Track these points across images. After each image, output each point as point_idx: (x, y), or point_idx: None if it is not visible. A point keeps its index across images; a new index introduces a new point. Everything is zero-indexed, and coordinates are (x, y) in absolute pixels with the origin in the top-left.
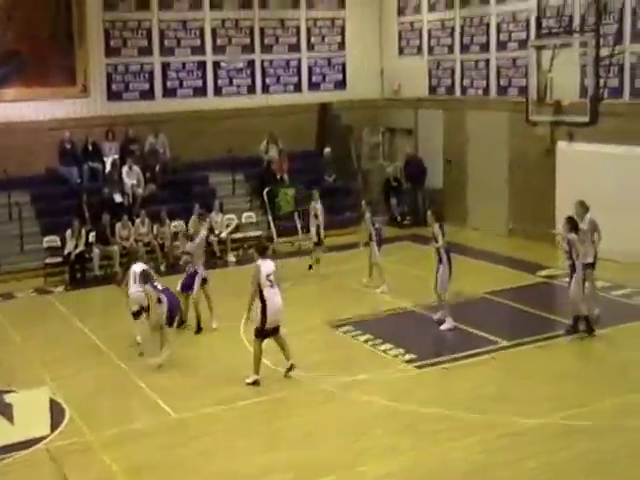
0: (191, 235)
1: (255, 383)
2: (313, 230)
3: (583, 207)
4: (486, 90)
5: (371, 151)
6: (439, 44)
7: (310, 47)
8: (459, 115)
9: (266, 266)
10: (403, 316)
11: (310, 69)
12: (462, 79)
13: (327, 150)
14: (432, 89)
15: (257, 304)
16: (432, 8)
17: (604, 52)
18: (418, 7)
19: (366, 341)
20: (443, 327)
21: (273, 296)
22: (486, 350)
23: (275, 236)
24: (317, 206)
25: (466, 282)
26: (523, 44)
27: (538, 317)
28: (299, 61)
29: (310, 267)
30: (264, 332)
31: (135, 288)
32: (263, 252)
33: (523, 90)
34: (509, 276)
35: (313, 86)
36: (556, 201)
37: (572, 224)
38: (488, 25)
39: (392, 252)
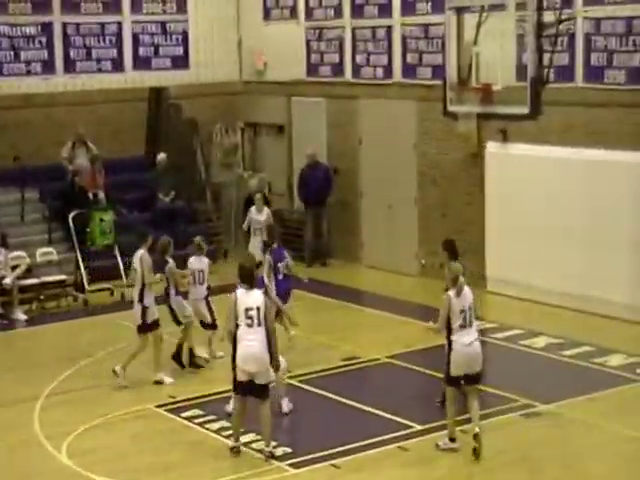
0: None
1: (234, 450)
2: None
3: None
4: (388, 70)
5: (226, 157)
6: (321, 5)
7: (136, 6)
8: (350, 105)
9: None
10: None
11: (136, 38)
12: (354, 54)
13: (161, 156)
14: (312, 68)
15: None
16: None
17: (549, 17)
18: None
19: (219, 430)
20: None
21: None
22: (392, 437)
23: (86, 281)
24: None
25: (362, 342)
26: (438, 5)
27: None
28: (119, 26)
29: None
30: (236, 384)
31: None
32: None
33: (439, 70)
34: (422, 332)
35: (141, 63)
36: (485, 225)
37: None
38: None
39: None
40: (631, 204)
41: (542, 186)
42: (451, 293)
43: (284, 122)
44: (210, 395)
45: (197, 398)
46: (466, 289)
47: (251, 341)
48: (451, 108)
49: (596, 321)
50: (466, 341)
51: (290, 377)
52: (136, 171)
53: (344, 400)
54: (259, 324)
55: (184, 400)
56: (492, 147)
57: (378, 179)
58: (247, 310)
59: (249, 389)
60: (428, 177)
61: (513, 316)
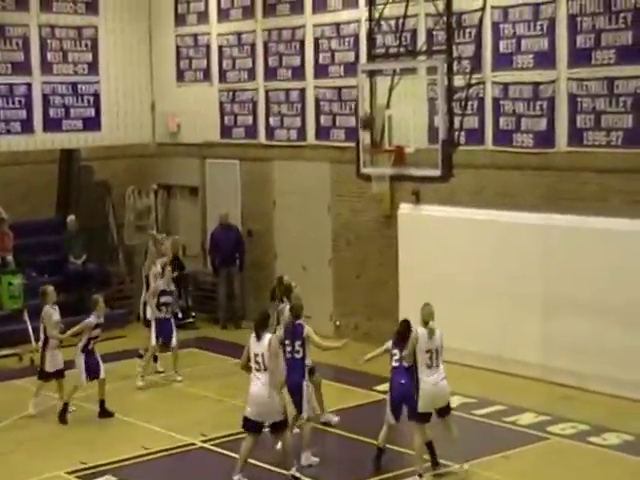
0: None
1: None
2: None
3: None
4: (301, 132)
5: (139, 219)
6: (235, 67)
7: (46, 66)
8: (264, 167)
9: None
10: (182, 457)
11: (46, 99)
12: (267, 116)
13: (71, 218)
14: (225, 130)
15: None
16: (224, 16)
17: (459, 81)
18: (204, 14)
19: None
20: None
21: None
22: None
23: None
24: None
25: None
26: (351, 68)
27: (375, 452)
28: (29, 87)
29: None
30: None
31: None
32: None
33: (352, 132)
34: (335, 393)
35: (51, 124)
36: (399, 285)
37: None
38: (302, 42)
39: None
40: (541, 266)
41: (455, 247)
42: (419, 331)
43: (198, 184)
44: (123, 460)
45: (110, 464)
46: (437, 332)
47: (256, 383)
48: (364, 170)
49: (509, 380)
50: (432, 381)
51: (205, 440)
52: (46, 234)
53: (255, 461)
54: (264, 369)
55: (96, 466)
56: (405, 208)
57: (292, 240)
58: (255, 356)
59: (255, 427)
60: (342, 238)
61: None
